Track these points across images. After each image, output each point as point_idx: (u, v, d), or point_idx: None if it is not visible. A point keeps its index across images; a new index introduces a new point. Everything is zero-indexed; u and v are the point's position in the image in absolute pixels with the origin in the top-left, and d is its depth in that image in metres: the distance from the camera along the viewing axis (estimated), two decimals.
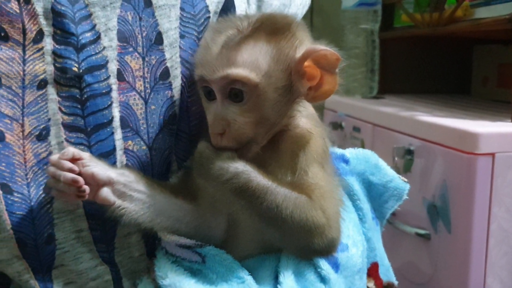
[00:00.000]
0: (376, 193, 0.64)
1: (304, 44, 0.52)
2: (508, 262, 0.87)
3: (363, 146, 1.22)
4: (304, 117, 0.56)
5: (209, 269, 0.52)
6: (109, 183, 0.52)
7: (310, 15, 1.76)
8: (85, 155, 0.52)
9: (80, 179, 0.50)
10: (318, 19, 1.74)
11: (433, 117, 1.00)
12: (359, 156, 0.64)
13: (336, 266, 0.53)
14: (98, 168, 0.52)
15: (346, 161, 0.64)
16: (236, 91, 0.50)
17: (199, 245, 0.53)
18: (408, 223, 1.01)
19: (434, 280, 0.95)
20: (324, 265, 0.53)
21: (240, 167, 0.50)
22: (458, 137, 0.88)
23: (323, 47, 0.51)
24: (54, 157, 0.52)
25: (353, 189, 0.62)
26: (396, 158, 1.02)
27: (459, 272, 0.88)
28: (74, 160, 0.51)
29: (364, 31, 1.38)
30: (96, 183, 0.52)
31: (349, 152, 0.65)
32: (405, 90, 1.48)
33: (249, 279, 0.51)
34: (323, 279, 0.52)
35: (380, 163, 0.65)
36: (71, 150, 0.51)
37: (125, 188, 0.53)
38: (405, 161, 1.02)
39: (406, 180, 0.66)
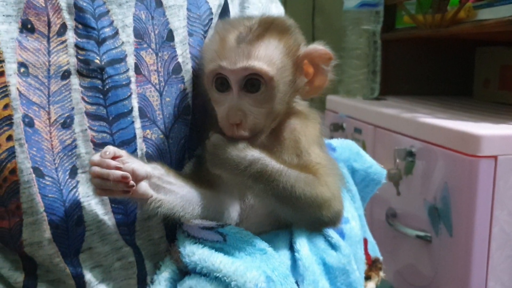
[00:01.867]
0: (358, 178, 0.71)
1: (302, 43, 0.59)
2: (510, 265, 0.86)
3: (364, 148, 1.21)
4: (299, 105, 0.62)
5: (230, 246, 0.55)
6: (146, 177, 0.55)
7: (312, 16, 1.76)
8: (123, 152, 0.54)
9: (129, 175, 0.52)
10: (319, 19, 1.73)
11: (435, 119, 1.00)
12: (343, 145, 0.72)
13: (342, 236, 0.59)
14: (136, 164, 0.54)
15: (333, 149, 0.70)
16: (254, 82, 0.55)
17: (220, 225, 0.57)
18: (408, 225, 1.01)
19: (435, 283, 0.95)
20: (333, 234, 0.58)
21: (256, 154, 0.54)
22: (461, 139, 0.87)
23: (320, 47, 0.58)
24: (95, 157, 0.53)
25: (343, 173, 0.67)
26: (397, 160, 1.02)
27: (460, 275, 0.88)
28: (114, 158, 0.53)
29: (366, 32, 1.38)
30: (135, 178, 0.54)
31: (334, 142, 0.72)
32: (407, 91, 1.47)
33: (270, 250, 0.55)
34: (333, 246, 0.58)
35: (361, 151, 0.72)
36: (111, 149, 0.53)
37: (160, 181, 0.56)
38: (406, 163, 1.01)
39: (382, 166, 0.73)
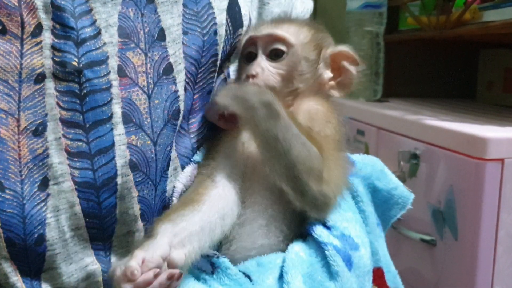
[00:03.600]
0: (380, 199, 0.64)
1: (332, 44, 0.63)
2: None
3: (367, 150, 1.20)
4: (325, 100, 0.61)
5: (216, 281, 0.52)
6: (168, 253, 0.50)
7: (314, 17, 1.75)
8: (145, 256, 0.47)
9: (173, 271, 0.47)
10: (322, 20, 1.72)
11: (439, 121, 0.99)
12: (365, 160, 0.64)
13: (350, 264, 0.53)
14: (160, 250, 0.48)
15: (351, 163, 0.63)
16: (278, 52, 0.60)
17: (216, 255, 0.53)
18: (412, 229, 1.00)
19: None
20: (338, 260, 0.52)
21: (270, 95, 0.54)
22: (466, 142, 0.86)
23: (349, 50, 0.62)
24: (128, 281, 0.46)
25: (357, 191, 0.61)
26: (401, 162, 1.00)
27: (465, 280, 0.87)
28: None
29: (369, 34, 1.37)
30: (172, 265, 0.49)
31: (355, 156, 0.65)
32: (409, 93, 1.46)
33: None
34: (332, 275, 0.52)
35: (386, 170, 0.64)
36: (134, 266, 0.46)
37: (176, 238, 0.51)
38: (410, 165, 1.00)
39: (410, 190, 0.65)
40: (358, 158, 0.64)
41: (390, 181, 0.64)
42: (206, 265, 0.53)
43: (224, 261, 0.53)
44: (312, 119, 0.57)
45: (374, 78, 1.37)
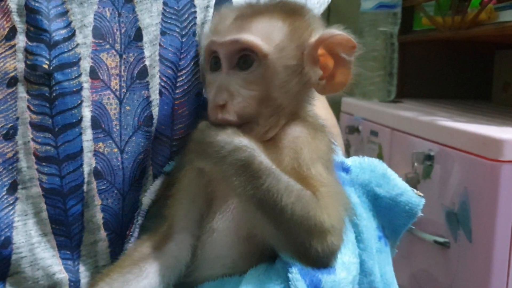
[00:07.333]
0: (383, 208, 0.56)
1: (319, 31, 0.49)
2: None
3: (380, 151, 1.20)
4: (311, 115, 0.53)
5: None
6: None
7: (328, 17, 1.74)
8: None
9: None
10: (335, 21, 1.72)
11: (454, 122, 0.98)
12: (363, 165, 0.56)
13: None
14: None
15: (346, 169, 0.56)
16: (246, 58, 0.48)
17: None
18: (425, 231, 0.99)
19: None
20: (298, 283, 0.44)
21: (245, 141, 0.45)
22: (481, 143, 0.85)
23: (339, 32, 0.48)
24: None
25: (352, 202, 0.53)
26: (415, 164, 1.00)
27: (479, 283, 0.86)
28: None
29: (383, 34, 1.36)
30: None
31: (351, 160, 0.57)
32: (423, 94, 1.45)
33: None
34: None
35: (389, 173, 0.56)
36: None
37: None
38: (424, 167, 0.99)
39: (421, 194, 0.57)
40: (356, 162, 0.57)
41: (395, 186, 0.55)
42: None
43: None
44: (298, 150, 0.48)
45: (388, 79, 1.37)
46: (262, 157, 0.45)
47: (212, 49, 0.50)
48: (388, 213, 0.56)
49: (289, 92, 0.49)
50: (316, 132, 0.50)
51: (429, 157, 0.98)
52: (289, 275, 0.45)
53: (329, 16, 1.73)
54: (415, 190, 0.57)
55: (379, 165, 0.56)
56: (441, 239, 0.94)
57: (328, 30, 0.49)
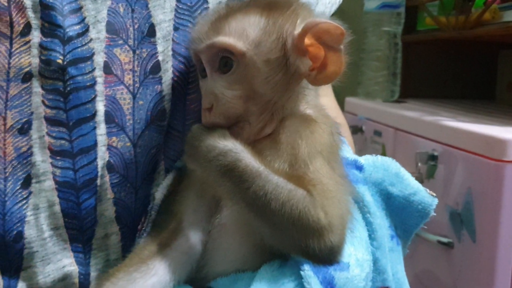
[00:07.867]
0: (396, 207, 0.55)
1: (306, 21, 0.48)
2: None
3: (384, 151, 1.20)
4: (312, 107, 0.52)
5: None
6: None
7: (331, 17, 1.74)
8: None
9: None
10: (339, 20, 1.72)
11: (457, 122, 0.98)
12: (376, 164, 0.56)
13: (331, 287, 0.45)
14: None
15: (359, 167, 0.56)
16: (227, 60, 0.48)
17: None
18: (429, 231, 0.99)
19: None
20: (311, 280, 0.44)
21: (230, 145, 0.46)
22: (485, 143, 0.85)
23: (324, 20, 0.47)
24: None
25: (364, 200, 0.53)
26: (419, 164, 1.00)
27: (483, 283, 0.86)
28: None
29: (386, 34, 1.36)
30: None
31: (364, 159, 0.56)
32: (427, 94, 1.45)
33: None
34: None
35: (402, 172, 0.56)
36: None
37: None
38: (428, 167, 0.99)
39: (434, 194, 0.56)
40: (369, 160, 0.56)
41: (408, 185, 0.55)
42: None
43: None
44: (296, 145, 0.48)
45: (392, 79, 1.37)
46: (247, 160, 0.45)
47: (196, 57, 0.51)
48: (400, 213, 0.56)
49: (276, 86, 0.49)
50: (317, 125, 0.49)
51: (433, 157, 0.98)
52: (302, 272, 0.45)
53: (333, 16, 1.73)
54: (428, 190, 0.56)
55: (393, 164, 0.56)
56: (444, 239, 0.94)
57: (313, 19, 0.48)
